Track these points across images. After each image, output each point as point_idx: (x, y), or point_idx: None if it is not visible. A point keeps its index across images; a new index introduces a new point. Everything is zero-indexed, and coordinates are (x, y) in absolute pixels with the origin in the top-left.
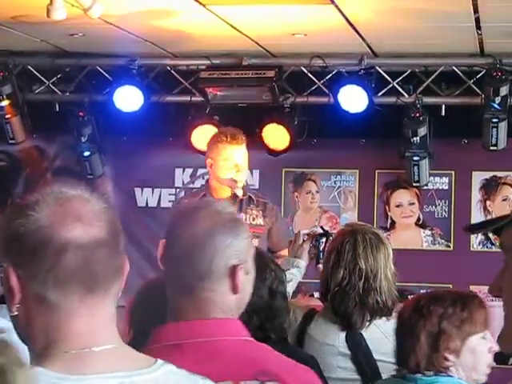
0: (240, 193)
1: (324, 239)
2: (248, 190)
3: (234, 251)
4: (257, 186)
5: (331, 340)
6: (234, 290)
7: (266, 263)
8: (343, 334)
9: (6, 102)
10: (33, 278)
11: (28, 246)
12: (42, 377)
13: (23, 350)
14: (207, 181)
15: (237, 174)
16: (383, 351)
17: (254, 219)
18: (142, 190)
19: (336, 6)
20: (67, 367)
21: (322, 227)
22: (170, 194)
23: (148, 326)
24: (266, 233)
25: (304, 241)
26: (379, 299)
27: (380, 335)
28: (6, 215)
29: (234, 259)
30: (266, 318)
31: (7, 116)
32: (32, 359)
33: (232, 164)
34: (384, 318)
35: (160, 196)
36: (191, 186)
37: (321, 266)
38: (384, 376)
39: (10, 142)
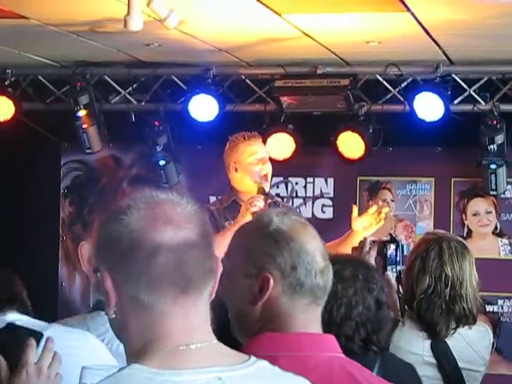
0: (267, 187)
1: (392, 246)
2: (272, 196)
3: None
4: (331, 195)
5: (416, 348)
6: None
7: (372, 274)
8: (428, 342)
9: (83, 112)
10: (126, 280)
11: (120, 250)
12: (138, 372)
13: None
14: (231, 188)
15: (264, 167)
16: (467, 360)
17: None
18: (217, 199)
19: (412, 14)
20: (163, 363)
21: (390, 234)
22: None
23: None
24: None
25: (370, 248)
26: (465, 306)
27: (463, 343)
28: (101, 221)
29: None
30: (372, 329)
31: (84, 126)
32: (128, 359)
33: (257, 158)
34: (466, 326)
35: None
36: None
37: (389, 273)
38: None
39: (87, 151)
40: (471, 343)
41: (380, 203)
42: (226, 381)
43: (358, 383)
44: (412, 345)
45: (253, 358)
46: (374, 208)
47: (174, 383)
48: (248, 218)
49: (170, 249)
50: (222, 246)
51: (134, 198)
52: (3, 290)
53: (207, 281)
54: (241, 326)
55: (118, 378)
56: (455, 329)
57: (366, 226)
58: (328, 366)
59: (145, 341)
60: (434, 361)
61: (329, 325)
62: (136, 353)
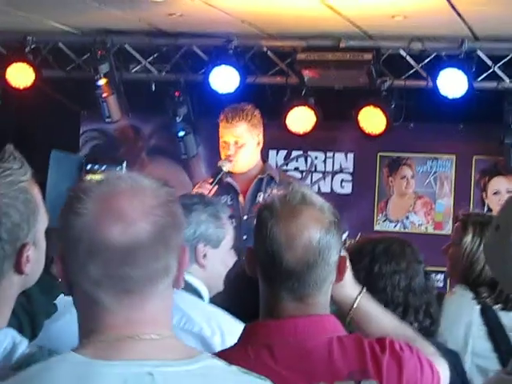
0: (225, 167)
1: None
2: (271, 168)
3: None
4: (351, 170)
5: (467, 315)
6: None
7: (414, 248)
8: (478, 308)
9: (103, 81)
10: (71, 270)
11: (68, 239)
12: (68, 359)
13: None
14: None
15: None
16: None
17: None
18: None
19: None
20: (98, 353)
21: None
22: None
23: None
24: None
25: None
26: None
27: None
28: (64, 204)
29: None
30: (429, 300)
31: (104, 94)
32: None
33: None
34: None
35: None
36: (285, 167)
37: None
38: None
39: (106, 120)
40: None
41: None
42: (158, 376)
43: (359, 363)
44: (462, 311)
45: (203, 355)
46: None
47: (99, 374)
48: None
49: (115, 248)
50: None
51: (91, 183)
52: None
53: (157, 280)
54: None
55: (49, 364)
56: (506, 304)
57: None
58: (327, 348)
59: (88, 329)
60: (484, 327)
61: (392, 299)
62: (81, 340)
